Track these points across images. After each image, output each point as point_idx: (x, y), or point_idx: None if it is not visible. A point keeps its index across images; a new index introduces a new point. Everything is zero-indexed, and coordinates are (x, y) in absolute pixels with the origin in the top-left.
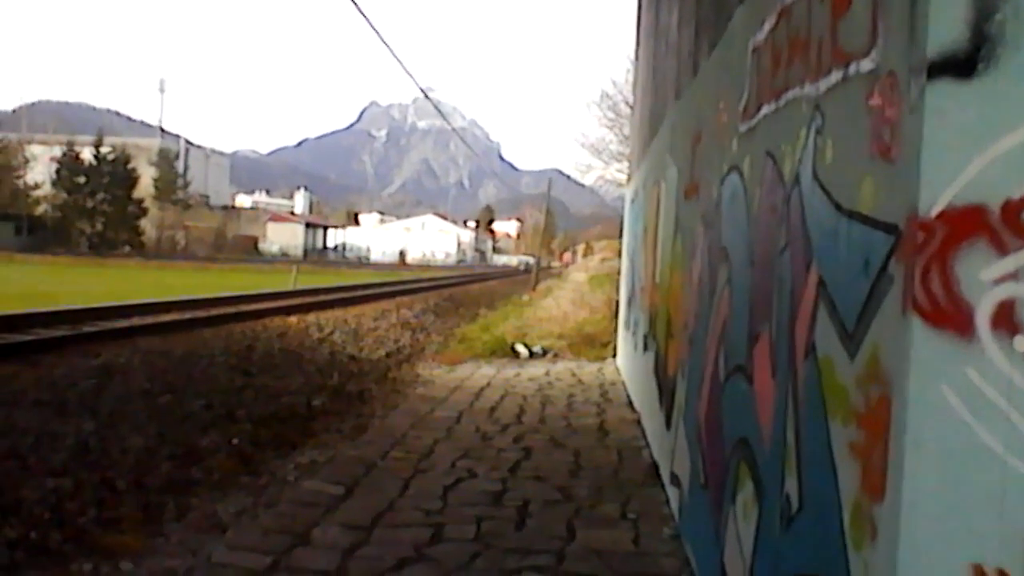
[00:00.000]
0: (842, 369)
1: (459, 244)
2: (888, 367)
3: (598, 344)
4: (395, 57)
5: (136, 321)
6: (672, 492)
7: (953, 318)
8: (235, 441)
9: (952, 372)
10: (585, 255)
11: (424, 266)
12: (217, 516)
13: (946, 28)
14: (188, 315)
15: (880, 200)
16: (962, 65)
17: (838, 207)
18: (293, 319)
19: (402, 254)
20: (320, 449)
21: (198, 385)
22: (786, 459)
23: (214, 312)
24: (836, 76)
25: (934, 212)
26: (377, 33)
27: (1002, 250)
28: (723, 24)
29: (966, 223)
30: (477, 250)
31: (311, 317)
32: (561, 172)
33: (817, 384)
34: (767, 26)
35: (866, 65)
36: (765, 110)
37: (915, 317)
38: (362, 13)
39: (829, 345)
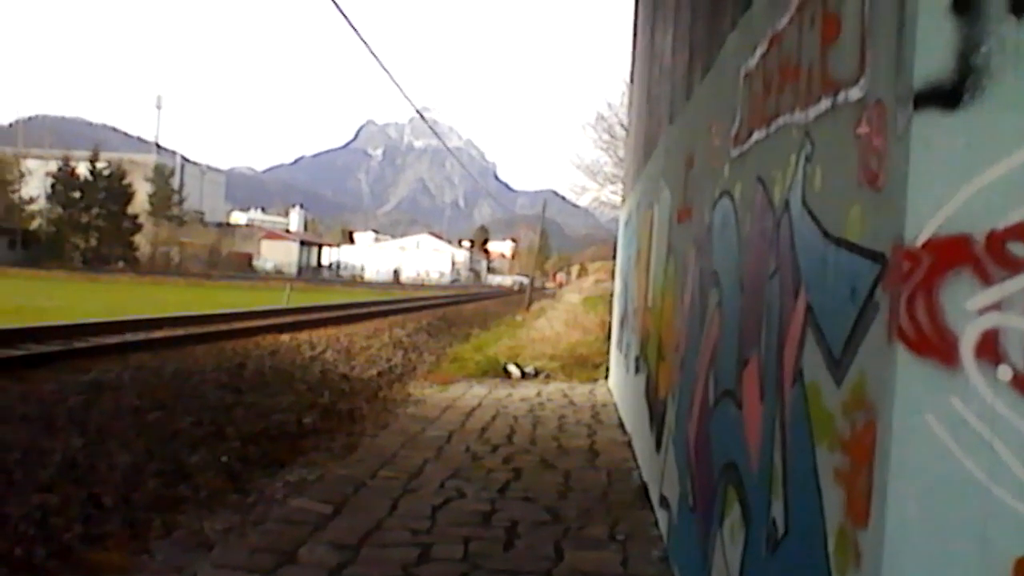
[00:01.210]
0: (828, 395)
1: (454, 264)
2: (873, 395)
3: (590, 365)
4: (391, 79)
5: (129, 337)
6: (661, 514)
7: (937, 347)
8: (224, 458)
9: (936, 401)
10: (579, 276)
11: (418, 285)
12: (204, 534)
13: (932, 58)
14: (180, 332)
15: (867, 228)
16: (948, 95)
17: (826, 234)
18: (285, 337)
19: (396, 273)
20: (309, 467)
21: (188, 402)
22: (773, 484)
23: (206, 329)
24: (825, 104)
25: (920, 241)
26: (375, 56)
27: (987, 280)
28: (716, 49)
29: (951, 253)
30: (472, 270)
31: (303, 335)
32: (556, 193)
33: (804, 410)
34: (759, 52)
35: (855, 93)
36: (756, 136)
37: (900, 345)
38: (360, 37)
39: (816, 371)
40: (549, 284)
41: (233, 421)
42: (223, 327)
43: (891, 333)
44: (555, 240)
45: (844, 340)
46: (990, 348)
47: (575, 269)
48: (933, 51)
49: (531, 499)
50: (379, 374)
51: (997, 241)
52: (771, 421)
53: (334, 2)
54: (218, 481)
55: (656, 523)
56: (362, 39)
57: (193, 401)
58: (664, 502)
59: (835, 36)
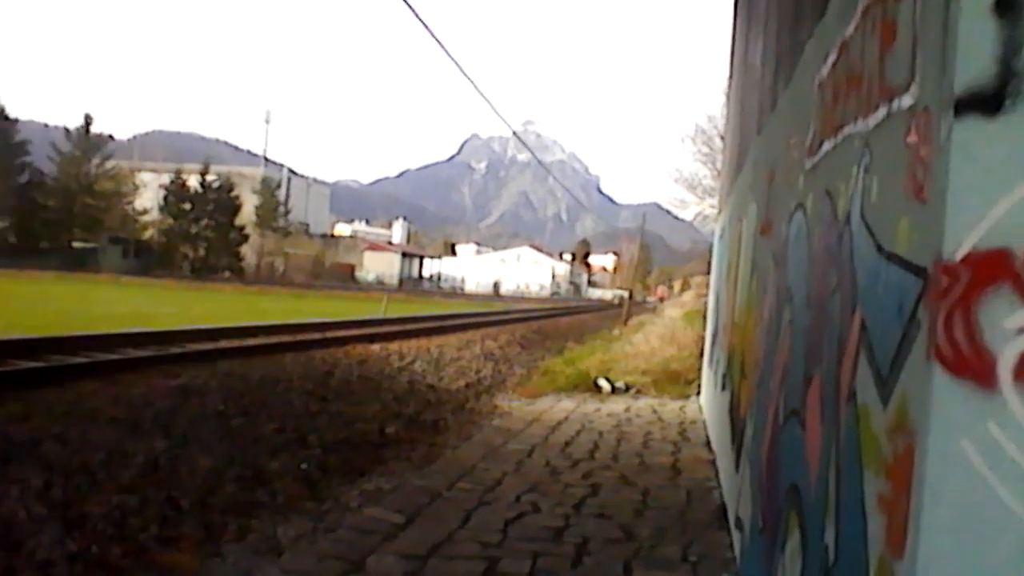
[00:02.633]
0: (876, 417)
1: (554, 276)
2: (914, 417)
3: (683, 381)
4: (486, 100)
5: (223, 344)
6: (736, 536)
7: (975, 368)
8: (303, 466)
9: (974, 425)
10: (682, 290)
11: (518, 298)
12: (276, 539)
13: (973, 63)
14: (274, 340)
15: (913, 242)
16: (989, 101)
17: (879, 248)
18: (375, 347)
19: (496, 285)
20: (387, 477)
21: (273, 409)
22: (827, 509)
23: (298, 338)
24: (882, 112)
25: (959, 255)
26: (469, 79)
27: None
28: (796, 58)
29: (990, 268)
30: (572, 283)
31: (394, 346)
32: (660, 207)
33: (855, 432)
34: (830, 60)
35: (906, 101)
36: (826, 147)
37: (937, 366)
38: (455, 63)
39: (866, 392)
40: (651, 298)
41: (316, 429)
42: (316, 336)
43: (929, 352)
44: (659, 254)
45: (891, 359)
46: None
47: (678, 283)
48: (974, 55)
49: (606, 516)
50: (467, 385)
51: None
52: (829, 444)
53: (428, 30)
54: (296, 488)
55: (731, 545)
56: (458, 65)
57: (278, 408)
58: (739, 523)
59: (891, 40)
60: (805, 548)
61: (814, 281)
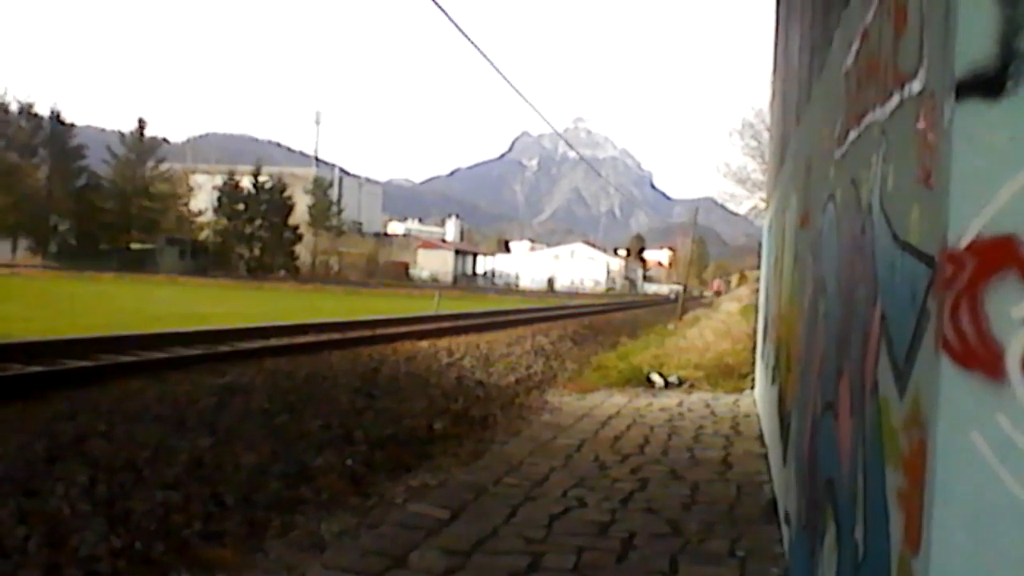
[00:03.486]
0: (895, 410)
1: (608, 272)
2: (925, 411)
3: (737, 375)
4: (529, 104)
5: (273, 342)
6: (785, 530)
7: (983, 359)
8: (349, 462)
9: (983, 418)
10: (739, 284)
11: (572, 293)
12: (319, 535)
13: (975, 44)
14: (323, 337)
15: (923, 230)
16: (991, 84)
17: (895, 237)
18: (424, 343)
19: (551, 281)
20: (433, 472)
21: (319, 405)
22: (857, 503)
23: (347, 335)
24: (896, 99)
25: (963, 243)
26: (512, 86)
27: None
28: (827, 47)
29: (996, 255)
30: (627, 278)
31: (443, 342)
32: (715, 202)
33: (877, 425)
34: (854, 48)
35: (916, 86)
36: (851, 136)
37: (945, 357)
38: (497, 70)
39: (886, 384)
40: (707, 292)
41: (362, 425)
42: (366, 333)
43: (937, 343)
44: (714, 248)
45: (906, 350)
46: None
47: (735, 277)
48: (975, 35)
49: (653, 510)
50: (517, 381)
51: None
52: (857, 436)
53: (470, 40)
54: (340, 484)
55: (781, 540)
56: (501, 74)
57: (324, 405)
58: (787, 517)
59: (904, 24)
60: (840, 543)
61: (843, 272)
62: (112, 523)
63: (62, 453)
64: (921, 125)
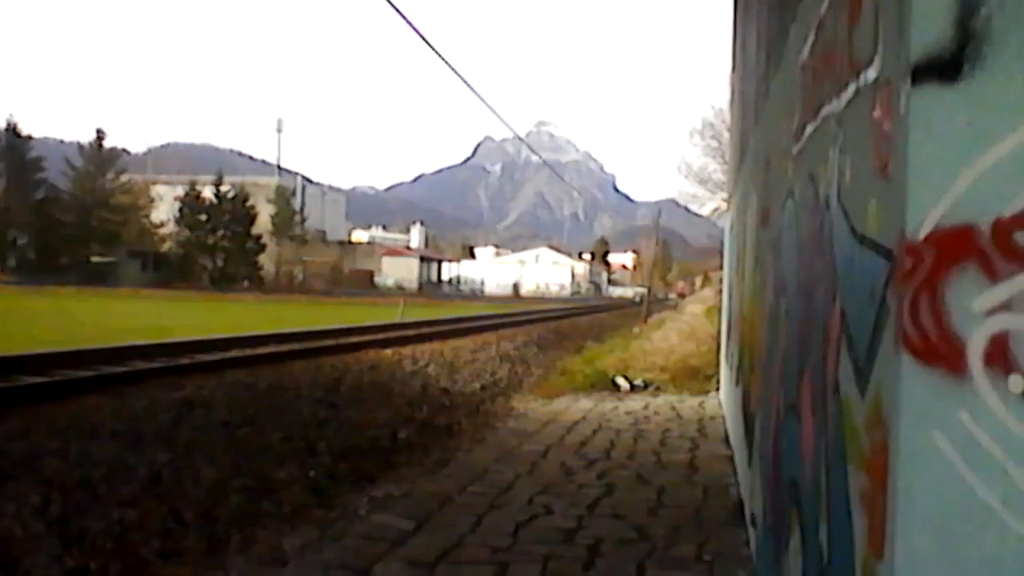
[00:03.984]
0: (856, 409)
1: (573, 276)
2: (886, 410)
3: (702, 377)
4: (491, 108)
5: (233, 353)
6: (752, 532)
7: (944, 354)
8: (311, 474)
9: (945, 416)
10: (703, 286)
11: (538, 298)
12: (281, 549)
13: (930, 26)
14: (285, 348)
15: (881, 222)
16: (947, 67)
17: (853, 231)
18: (388, 352)
19: (516, 287)
20: (397, 483)
21: (280, 417)
22: (820, 506)
23: (309, 345)
24: (852, 88)
25: (922, 234)
26: (474, 91)
27: (993, 277)
28: (784, 43)
29: (956, 245)
30: (592, 282)
31: (407, 350)
32: (677, 203)
33: (839, 426)
34: (809, 40)
35: (871, 74)
36: (808, 130)
37: (905, 353)
38: (459, 76)
39: (847, 383)
40: (671, 295)
41: (325, 436)
42: (329, 343)
43: (897, 339)
44: (678, 250)
45: (866, 348)
46: (1000, 355)
47: (699, 279)
48: (930, 18)
49: (620, 516)
50: (482, 388)
51: (1003, 230)
52: (821, 437)
53: (429, 45)
54: (303, 497)
55: (748, 542)
56: (463, 79)
57: (286, 416)
58: (754, 520)
59: (858, 11)
60: (804, 547)
61: (803, 270)
62: (66, 543)
63: (13, 472)
64: (877, 114)
